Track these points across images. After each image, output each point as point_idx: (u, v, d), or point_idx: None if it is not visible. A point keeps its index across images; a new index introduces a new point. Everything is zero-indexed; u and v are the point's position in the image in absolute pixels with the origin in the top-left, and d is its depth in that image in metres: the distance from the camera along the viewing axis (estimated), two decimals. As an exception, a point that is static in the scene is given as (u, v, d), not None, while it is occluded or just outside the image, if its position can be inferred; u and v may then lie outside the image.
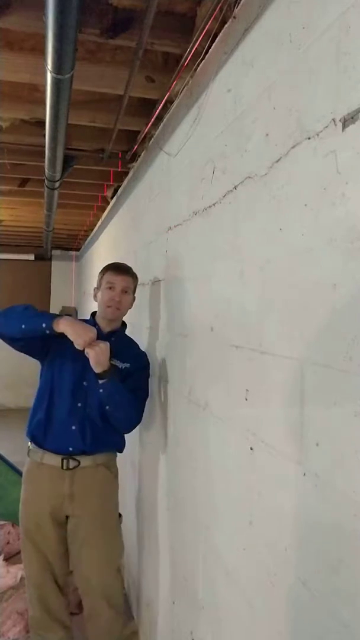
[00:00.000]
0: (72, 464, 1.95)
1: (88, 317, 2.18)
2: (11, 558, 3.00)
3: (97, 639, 2.04)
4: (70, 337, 1.82)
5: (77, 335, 1.83)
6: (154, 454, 2.22)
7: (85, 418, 1.97)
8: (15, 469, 4.41)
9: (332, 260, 0.88)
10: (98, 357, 1.84)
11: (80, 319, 2.15)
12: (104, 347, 1.86)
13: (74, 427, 1.96)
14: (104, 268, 2.13)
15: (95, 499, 2.00)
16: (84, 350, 1.85)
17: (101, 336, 1.97)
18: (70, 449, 1.96)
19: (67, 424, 1.96)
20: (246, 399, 1.23)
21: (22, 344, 1.96)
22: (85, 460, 1.97)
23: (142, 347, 2.27)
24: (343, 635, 0.83)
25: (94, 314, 2.15)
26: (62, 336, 1.85)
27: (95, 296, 2.12)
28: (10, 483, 4.14)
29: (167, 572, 1.96)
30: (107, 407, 1.93)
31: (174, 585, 1.85)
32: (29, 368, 8.00)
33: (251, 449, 1.19)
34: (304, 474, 0.95)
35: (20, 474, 4.27)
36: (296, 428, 0.99)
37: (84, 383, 1.98)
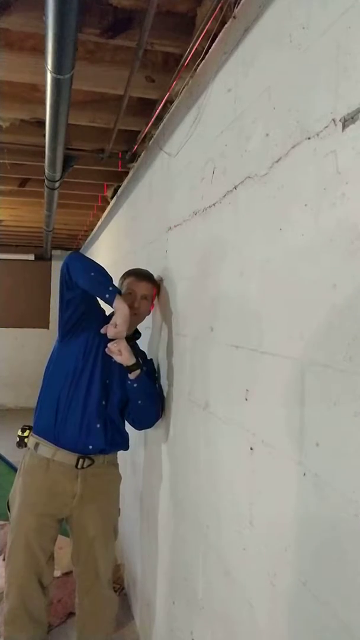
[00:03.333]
0: (86, 462, 1.93)
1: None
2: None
3: (104, 627, 2.07)
4: (118, 318, 1.82)
5: (123, 320, 1.82)
6: (154, 453, 2.22)
7: (108, 417, 1.96)
8: (16, 469, 4.40)
9: (332, 260, 0.88)
10: (125, 350, 1.87)
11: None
12: (124, 343, 1.89)
13: (98, 426, 1.92)
14: (126, 273, 2.15)
15: (104, 497, 2.01)
16: (107, 341, 1.88)
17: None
18: (91, 447, 1.93)
19: (93, 422, 1.92)
20: (246, 399, 1.23)
21: (79, 293, 1.94)
22: (99, 459, 1.97)
23: (143, 348, 2.26)
24: (343, 635, 0.83)
25: (112, 315, 2.10)
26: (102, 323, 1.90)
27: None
28: (10, 483, 4.14)
29: (167, 572, 1.96)
30: (140, 402, 1.95)
31: (174, 585, 1.85)
32: (29, 368, 8.02)
33: (251, 449, 1.19)
34: (304, 474, 0.95)
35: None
36: (296, 428, 0.99)
37: (107, 381, 1.97)
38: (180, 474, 1.81)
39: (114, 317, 1.84)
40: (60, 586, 2.61)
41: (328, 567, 0.88)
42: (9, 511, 2.01)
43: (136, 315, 2.03)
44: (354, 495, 0.80)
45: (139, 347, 2.16)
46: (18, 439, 2.02)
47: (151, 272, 2.30)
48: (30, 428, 2.03)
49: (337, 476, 0.85)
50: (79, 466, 1.91)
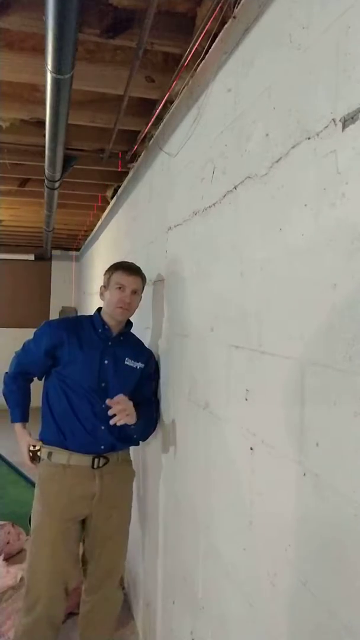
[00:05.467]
0: (102, 461, 1.98)
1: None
2: (11, 558, 2.99)
3: (110, 625, 2.12)
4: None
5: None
6: (154, 454, 2.22)
7: (110, 417, 1.93)
8: (15, 469, 4.41)
9: (332, 260, 0.88)
10: (128, 418, 1.88)
11: (84, 315, 2.19)
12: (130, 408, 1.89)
13: (103, 427, 1.97)
14: (114, 267, 2.08)
15: (121, 495, 2.07)
16: (89, 349, 1.99)
17: (110, 337, 2.04)
18: (102, 447, 1.99)
19: (96, 425, 1.97)
20: (246, 399, 1.23)
21: (40, 363, 2.07)
22: (113, 457, 2.02)
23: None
24: (343, 635, 0.83)
25: (99, 309, 2.13)
26: (67, 342, 1.98)
27: (102, 295, 2.09)
28: (10, 483, 4.14)
29: (167, 572, 1.96)
30: (136, 436, 2.08)
31: (174, 585, 1.85)
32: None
33: (251, 449, 1.19)
34: (304, 474, 0.95)
35: (19, 474, 4.30)
36: (296, 428, 0.99)
37: (102, 384, 2.00)
38: (180, 474, 1.81)
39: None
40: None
41: (328, 567, 0.88)
42: (30, 524, 2.03)
43: (127, 311, 2.05)
44: (354, 495, 0.80)
45: (135, 337, 2.19)
46: (31, 454, 2.06)
47: (151, 272, 2.30)
48: (38, 442, 2.07)
49: (337, 476, 0.85)
50: (95, 466, 1.97)
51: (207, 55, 1.60)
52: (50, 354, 2.00)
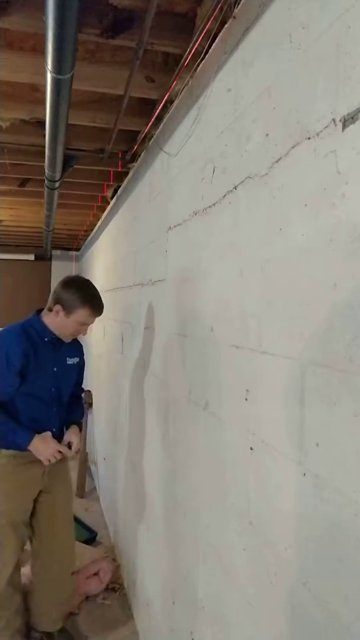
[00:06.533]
0: None
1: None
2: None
3: (56, 592, 2.31)
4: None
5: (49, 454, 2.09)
6: (154, 454, 2.22)
7: (60, 419, 2.24)
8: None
9: (332, 260, 0.88)
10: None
11: (26, 324, 2.16)
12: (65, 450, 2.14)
13: (54, 429, 2.18)
14: (82, 300, 2.07)
15: (63, 468, 2.30)
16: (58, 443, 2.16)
17: (56, 344, 2.16)
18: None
19: (47, 427, 2.15)
20: (246, 399, 1.23)
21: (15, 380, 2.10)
22: None
23: (143, 348, 2.27)
24: (343, 635, 0.83)
25: (38, 313, 2.17)
26: (32, 360, 2.07)
27: (56, 312, 2.09)
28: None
29: (167, 572, 1.96)
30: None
31: (174, 585, 1.85)
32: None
33: (251, 449, 1.19)
34: (304, 474, 0.95)
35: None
36: (296, 428, 0.99)
37: (53, 390, 2.19)
38: (180, 474, 1.81)
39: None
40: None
41: (328, 567, 0.88)
42: None
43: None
44: (354, 495, 0.80)
45: (71, 342, 2.25)
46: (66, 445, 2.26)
47: (151, 272, 2.30)
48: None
49: (337, 476, 0.85)
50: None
51: (207, 55, 1.60)
52: (20, 374, 2.06)
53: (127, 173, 3.09)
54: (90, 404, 4.56)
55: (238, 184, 1.32)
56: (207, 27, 1.47)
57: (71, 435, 2.25)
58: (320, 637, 0.90)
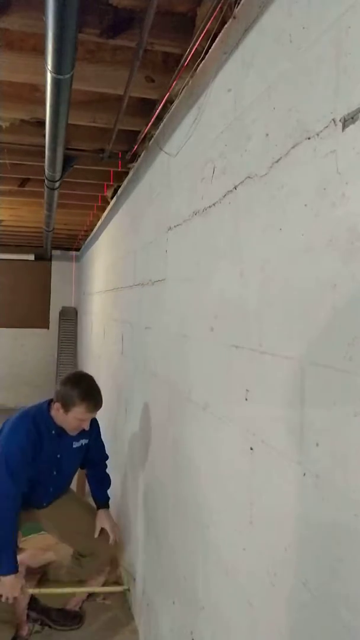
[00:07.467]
0: None
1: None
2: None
3: None
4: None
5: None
6: (154, 454, 2.22)
7: (59, 486, 2.40)
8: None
9: (332, 260, 0.88)
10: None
11: (37, 415, 2.20)
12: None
13: (44, 503, 2.37)
14: (78, 397, 2.11)
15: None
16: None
17: (62, 434, 2.22)
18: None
19: (42, 500, 2.34)
20: (246, 399, 1.23)
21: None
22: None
23: (144, 348, 2.27)
24: (343, 635, 0.83)
25: (49, 404, 2.22)
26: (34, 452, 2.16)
27: (57, 410, 2.15)
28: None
29: (167, 572, 1.96)
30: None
31: (174, 585, 1.85)
32: (28, 368, 7.99)
33: (251, 449, 1.19)
34: (304, 474, 0.95)
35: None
36: (296, 428, 0.99)
37: (55, 472, 2.30)
38: (180, 473, 1.81)
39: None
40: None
41: (328, 567, 0.88)
42: None
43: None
44: (354, 495, 0.80)
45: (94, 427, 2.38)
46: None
47: (151, 272, 2.30)
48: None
49: (337, 476, 0.85)
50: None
51: (207, 55, 1.60)
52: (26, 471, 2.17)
53: (127, 173, 3.09)
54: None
55: (238, 184, 1.32)
56: (207, 27, 1.47)
57: (103, 522, 2.34)
58: (320, 637, 0.90)
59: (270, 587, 1.08)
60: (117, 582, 2.78)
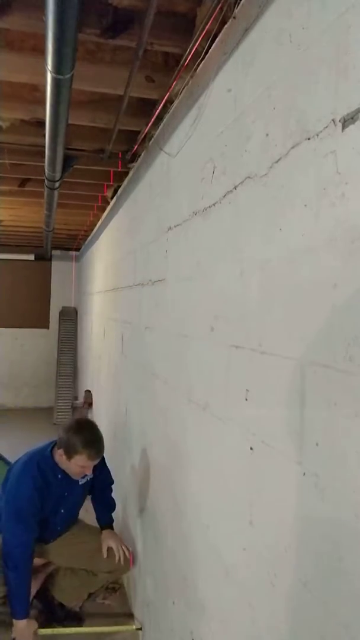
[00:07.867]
0: None
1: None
2: None
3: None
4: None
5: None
6: (154, 454, 2.22)
7: (65, 524, 2.45)
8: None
9: (332, 260, 0.88)
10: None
11: (42, 462, 2.24)
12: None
13: (51, 540, 2.41)
14: (79, 445, 2.15)
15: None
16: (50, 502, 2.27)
17: (68, 477, 2.26)
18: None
19: (49, 537, 2.40)
20: (246, 399, 1.23)
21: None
22: None
23: (144, 348, 2.27)
24: (343, 635, 0.83)
25: (53, 445, 2.26)
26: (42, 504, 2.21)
27: (60, 455, 2.19)
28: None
29: (167, 572, 1.96)
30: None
31: (174, 585, 1.85)
32: (29, 368, 7.98)
33: (251, 449, 1.19)
34: (304, 474, 0.95)
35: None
36: (296, 428, 0.99)
37: (62, 510, 2.37)
38: (180, 474, 1.81)
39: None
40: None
41: (328, 568, 0.88)
42: None
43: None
44: (354, 495, 0.80)
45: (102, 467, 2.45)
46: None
47: (151, 272, 2.30)
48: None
49: (337, 476, 0.85)
50: None
51: (207, 55, 1.60)
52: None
53: (127, 173, 3.09)
54: (90, 404, 4.56)
55: (238, 184, 1.32)
56: (207, 27, 1.47)
57: (108, 541, 2.36)
58: (320, 637, 0.90)
59: (270, 587, 1.08)
60: (117, 582, 2.79)
